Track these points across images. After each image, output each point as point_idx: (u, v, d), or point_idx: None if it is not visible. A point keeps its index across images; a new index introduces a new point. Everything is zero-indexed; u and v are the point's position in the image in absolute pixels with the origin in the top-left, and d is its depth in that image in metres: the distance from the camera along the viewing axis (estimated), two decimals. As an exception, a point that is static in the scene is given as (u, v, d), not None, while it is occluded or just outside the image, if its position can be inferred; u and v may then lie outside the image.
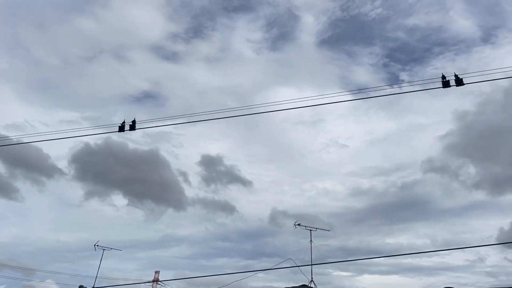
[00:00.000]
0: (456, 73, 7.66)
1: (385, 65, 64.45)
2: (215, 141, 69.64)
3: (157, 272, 45.37)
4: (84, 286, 26.39)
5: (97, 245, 28.16)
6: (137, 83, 75.82)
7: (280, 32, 69.97)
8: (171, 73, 70.57)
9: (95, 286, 24.44)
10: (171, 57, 72.97)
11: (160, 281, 41.38)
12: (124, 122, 8.62)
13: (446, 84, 7.74)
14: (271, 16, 69.07)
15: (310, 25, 67.02)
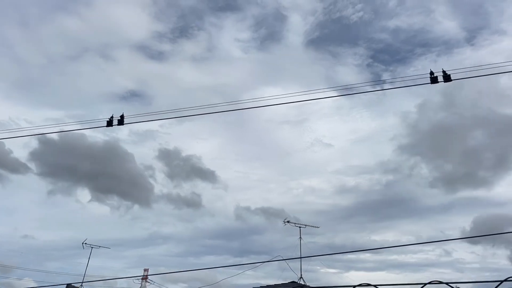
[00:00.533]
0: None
1: (369, 66, 65.67)
2: (202, 140, 69.62)
3: (146, 270, 45.14)
4: (72, 284, 26.16)
5: (85, 243, 27.94)
6: (123, 82, 75.40)
7: (268, 32, 70.33)
8: (157, 72, 70.30)
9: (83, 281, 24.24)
10: (157, 56, 72.76)
11: (149, 275, 41.17)
12: (112, 117, 8.53)
13: (434, 80, 7.82)
14: (259, 16, 69.33)
15: (298, 25, 67.53)
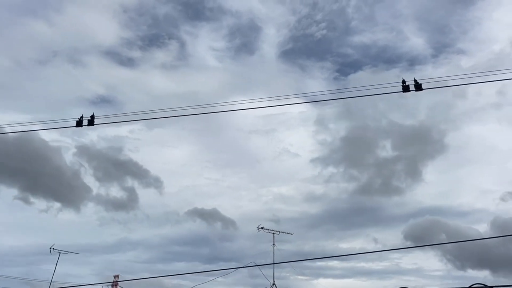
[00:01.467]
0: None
1: (335, 79, 68.09)
2: (171, 148, 69.64)
3: (116, 276, 44.10)
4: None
5: (53, 249, 27.07)
6: (93, 88, 74.69)
7: (242, 42, 71.60)
8: (127, 78, 70.15)
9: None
10: (127, 63, 73.03)
11: (120, 281, 40.22)
12: (82, 117, 8.28)
13: (406, 88, 7.97)
14: (234, 26, 70.42)
15: (272, 36, 69.08)
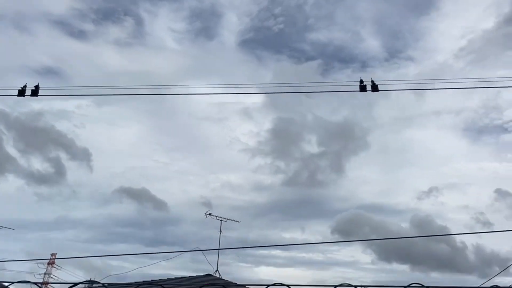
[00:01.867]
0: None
1: None
2: (120, 127, 67.48)
3: (53, 255, 42.48)
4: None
5: (-15, 222, 25.49)
6: (40, 57, 70.35)
7: (203, 26, 70.38)
8: (77, 51, 66.71)
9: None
10: (78, 35, 69.40)
11: (56, 258, 38.72)
12: (25, 86, 7.68)
13: (363, 88, 8.12)
14: (196, 9, 69.04)
15: (233, 24, 68.51)
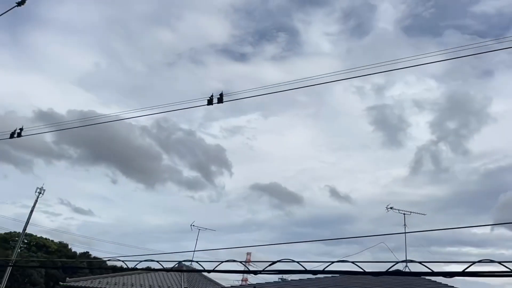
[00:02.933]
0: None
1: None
2: (286, 135, 70.58)
3: (248, 254, 46.66)
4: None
5: (193, 225, 29.64)
6: (213, 84, 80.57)
7: (357, 22, 69.36)
8: (240, 72, 74.36)
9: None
10: (240, 58, 77.50)
11: (252, 261, 42.56)
12: (212, 95, 8.77)
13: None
14: (347, 8, 68.42)
15: (389, 13, 65.25)
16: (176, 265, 7.83)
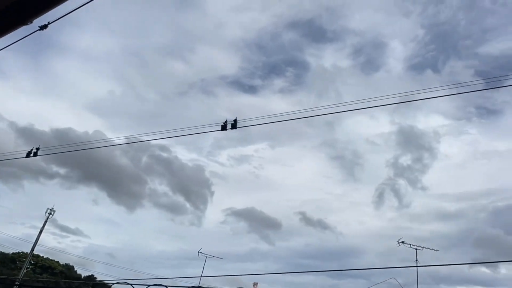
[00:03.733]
0: None
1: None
2: (293, 165, 71.00)
3: (255, 284, 45.87)
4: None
5: (200, 252, 29.41)
6: (222, 113, 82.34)
7: (367, 59, 71.54)
8: (250, 103, 76.64)
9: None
10: (249, 90, 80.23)
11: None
12: (226, 121, 8.97)
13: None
14: (358, 45, 70.73)
15: (398, 51, 67.32)
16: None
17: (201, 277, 28.92)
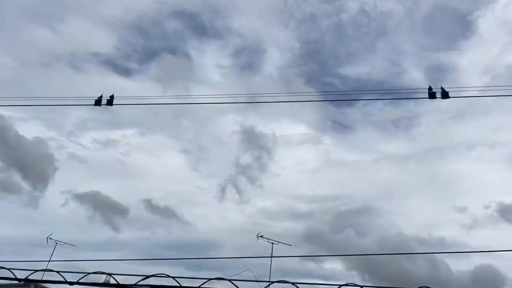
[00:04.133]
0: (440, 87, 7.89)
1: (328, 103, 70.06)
2: (161, 156, 70.87)
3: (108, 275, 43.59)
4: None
5: (50, 238, 26.69)
6: (90, 93, 76.88)
7: (247, 61, 74.84)
8: (123, 86, 73.22)
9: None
10: (123, 72, 76.75)
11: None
12: (101, 96, 8.20)
13: (432, 95, 7.84)
14: (239, 46, 73.45)
15: (275, 59, 71.91)
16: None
17: (49, 261, 26.17)
